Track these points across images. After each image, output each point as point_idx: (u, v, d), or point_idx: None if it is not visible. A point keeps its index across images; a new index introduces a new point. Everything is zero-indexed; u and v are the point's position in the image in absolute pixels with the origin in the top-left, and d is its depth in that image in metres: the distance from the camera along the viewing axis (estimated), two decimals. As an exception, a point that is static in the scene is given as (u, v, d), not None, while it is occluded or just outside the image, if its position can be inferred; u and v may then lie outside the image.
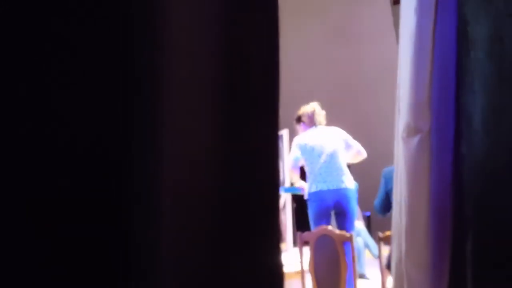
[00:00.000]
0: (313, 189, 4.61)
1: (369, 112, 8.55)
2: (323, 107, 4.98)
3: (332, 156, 4.67)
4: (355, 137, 4.89)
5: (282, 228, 6.78)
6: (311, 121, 4.86)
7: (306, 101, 5.03)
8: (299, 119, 4.96)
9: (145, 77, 0.77)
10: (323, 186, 4.60)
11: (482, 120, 2.16)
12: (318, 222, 4.56)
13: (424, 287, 2.26)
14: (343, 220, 4.61)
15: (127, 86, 0.75)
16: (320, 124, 4.85)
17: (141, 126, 0.76)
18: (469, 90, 2.19)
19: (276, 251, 0.95)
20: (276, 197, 0.97)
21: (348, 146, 4.79)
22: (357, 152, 4.80)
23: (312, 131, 4.81)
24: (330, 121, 5.03)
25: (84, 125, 0.73)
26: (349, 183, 4.65)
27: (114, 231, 0.73)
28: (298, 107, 4.98)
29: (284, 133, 6.28)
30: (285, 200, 6.50)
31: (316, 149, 4.68)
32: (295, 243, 5.77)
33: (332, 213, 4.67)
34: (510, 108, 2.12)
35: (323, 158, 4.64)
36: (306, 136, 4.79)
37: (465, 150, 2.21)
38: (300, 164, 4.86)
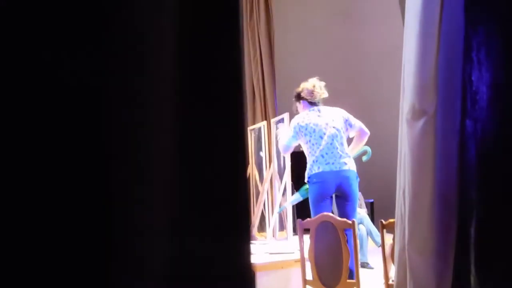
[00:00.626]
0: (315, 171, 4.58)
1: (372, 94, 8.54)
2: (328, 90, 4.93)
3: (334, 137, 4.63)
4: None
5: (283, 215, 6.79)
6: (312, 98, 4.80)
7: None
8: (298, 97, 4.89)
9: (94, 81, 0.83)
10: (325, 168, 4.57)
11: (490, 97, 2.13)
12: (318, 205, 4.54)
13: (427, 275, 2.25)
14: (345, 204, 4.57)
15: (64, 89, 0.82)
16: (321, 99, 4.79)
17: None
18: (476, 66, 2.16)
19: (243, 244, 1.00)
20: (240, 187, 1.02)
21: (350, 126, 4.75)
22: (360, 131, 4.75)
23: (312, 110, 4.75)
24: (333, 103, 4.98)
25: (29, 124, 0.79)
26: (352, 165, 4.62)
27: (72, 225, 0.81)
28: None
29: (285, 117, 6.26)
30: (285, 184, 6.50)
31: (318, 130, 4.64)
32: (295, 231, 5.77)
33: (334, 198, 4.64)
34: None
35: (326, 139, 4.61)
36: (306, 116, 4.74)
37: (471, 131, 2.18)
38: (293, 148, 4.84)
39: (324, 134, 4.75)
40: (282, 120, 6.50)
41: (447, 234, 2.22)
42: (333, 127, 4.78)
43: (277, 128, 6.51)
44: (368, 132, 4.87)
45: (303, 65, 8.18)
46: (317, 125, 4.79)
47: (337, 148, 4.73)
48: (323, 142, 4.73)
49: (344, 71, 8.71)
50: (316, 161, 4.72)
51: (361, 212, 6.59)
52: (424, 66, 2.34)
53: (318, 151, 4.73)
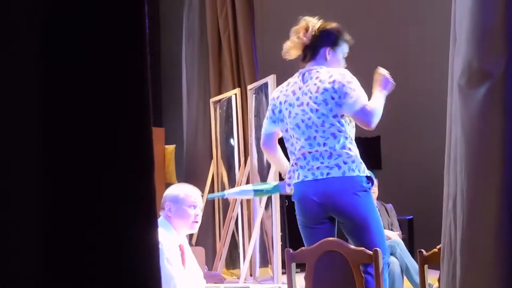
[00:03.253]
0: (296, 179, 4.59)
1: (401, 55, 8.75)
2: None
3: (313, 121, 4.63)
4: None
5: (267, 241, 6.80)
6: (303, 50, 4.74)
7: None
8: (339, 35, 4.78)
9: None
10: (306, 174, 4.58)
11: None
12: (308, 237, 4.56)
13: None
14: (355, 230, 4.57)
15: None
16: (319, 54, 4.72)
17: None
18: None
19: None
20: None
21: (341, 101, 4.67)
22: (360, 113, 4.65)
23: (298, 73, 4.71)
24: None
25: None
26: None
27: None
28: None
29: (269, 81, 6.27)
30: (271, 196, 6.52)
31: (295, 109, 4.63)
32: (284, 267, 5.78)
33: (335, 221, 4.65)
34: None
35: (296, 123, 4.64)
36: (285, 84, 4.71)
37: None
38: (278, 136, 4.79)
39: (305, 116, 4.80)
40: (264, 87, 6.50)
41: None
42: (319, 103, 4.81)
43: (255, 99, 6.51)
44: (371, 123, 4.80)
45: (299, 2, 8.21)
46: (294, 100, 4.82)
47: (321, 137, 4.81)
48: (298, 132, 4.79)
49: (357, 16, 8.83)
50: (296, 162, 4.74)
51: (393, 236, 6.62)
52: (487, 6, 2.40)
53: (297, 148, 4.76)
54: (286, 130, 4.72)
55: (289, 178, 4.70)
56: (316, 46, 4.76)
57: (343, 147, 4.57)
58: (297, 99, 4.69)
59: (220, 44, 8.30)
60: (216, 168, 7.78)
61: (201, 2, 8.39)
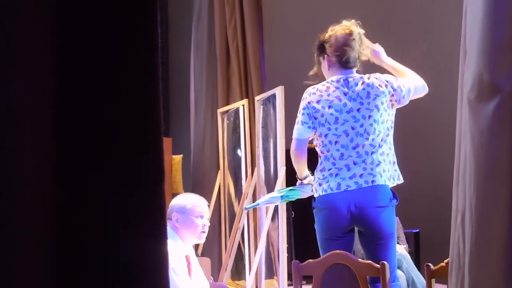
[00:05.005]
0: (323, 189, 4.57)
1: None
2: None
3: (359, 129, 4.61)
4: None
5: (273, 253, 6.80)
6: (340, 55, 4.70)
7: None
8: (321, 48, 4.77)
9: None
10: (349, 183, 4.55)
11: None
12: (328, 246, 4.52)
13: None
14: (376, 244, 4.57)
15: None
16: (356, 62, 4.69)
17: None
18: None
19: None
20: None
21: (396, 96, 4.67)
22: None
23: (336, 79, 4.67)
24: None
25: None
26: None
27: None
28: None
29: (277, 92, 6.25)
30: (278, 208, 6.50)
31: (336, 114, 4.60)
32: (291, 278, 5.77)
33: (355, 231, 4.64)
34: None
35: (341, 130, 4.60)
36: (323, 89, 4.66)
37: None
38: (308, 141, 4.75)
39: (346, 122, 4.81)
40: (272, 98, 6.49)
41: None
42: (365, 110, 4.84)
43: (263, 110, 6.51)
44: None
45: (308, 13, 8.21)
46: (335, 105, 4.82)
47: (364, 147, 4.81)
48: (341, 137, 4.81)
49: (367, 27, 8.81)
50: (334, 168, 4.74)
51: (399, 250, 6.60)
52: (499, 19, 2.39)
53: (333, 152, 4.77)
54: (326, 136, 4.67)
55: (319, 185, 4.65)
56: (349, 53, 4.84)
57: (388, 155, 4.62)
58: (345, 105, 4.69)
59: (228, 55, 8.29)
60: (223, 179, 7.77)
61: (210, 12, 8.39)
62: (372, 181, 4.56)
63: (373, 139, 4.63)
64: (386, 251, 4.59)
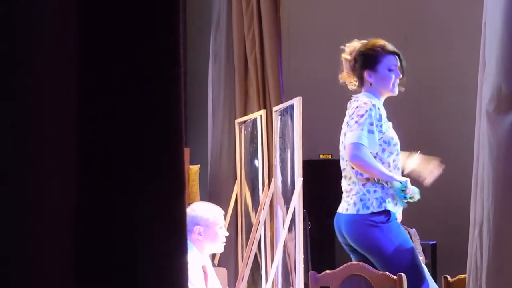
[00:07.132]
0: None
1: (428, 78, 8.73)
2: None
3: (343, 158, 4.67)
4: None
5: (289, 263, 6.78)
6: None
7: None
8: (383, 49, 4.66)
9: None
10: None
11: None
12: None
13: None
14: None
15: None
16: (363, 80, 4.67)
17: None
18: None
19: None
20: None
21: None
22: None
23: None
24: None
25: None
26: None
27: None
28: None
29: (295, 103, 6.24)
30: (293, 212, 6.46)
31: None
32: (307, 290, 5.76)
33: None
34: None
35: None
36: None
37: None
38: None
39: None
40: (290, 109, 6.48)
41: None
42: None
43: (280, 121, 6.49)
44: (353, 154, 4.59)
45: (326, 24, 8.22)
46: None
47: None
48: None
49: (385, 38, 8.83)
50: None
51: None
52: None
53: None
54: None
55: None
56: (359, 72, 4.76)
57: None
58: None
59: (246, 65, 8.30)
60: (240, 189, 7.76)
61: (228, 23, 8.40)
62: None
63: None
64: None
